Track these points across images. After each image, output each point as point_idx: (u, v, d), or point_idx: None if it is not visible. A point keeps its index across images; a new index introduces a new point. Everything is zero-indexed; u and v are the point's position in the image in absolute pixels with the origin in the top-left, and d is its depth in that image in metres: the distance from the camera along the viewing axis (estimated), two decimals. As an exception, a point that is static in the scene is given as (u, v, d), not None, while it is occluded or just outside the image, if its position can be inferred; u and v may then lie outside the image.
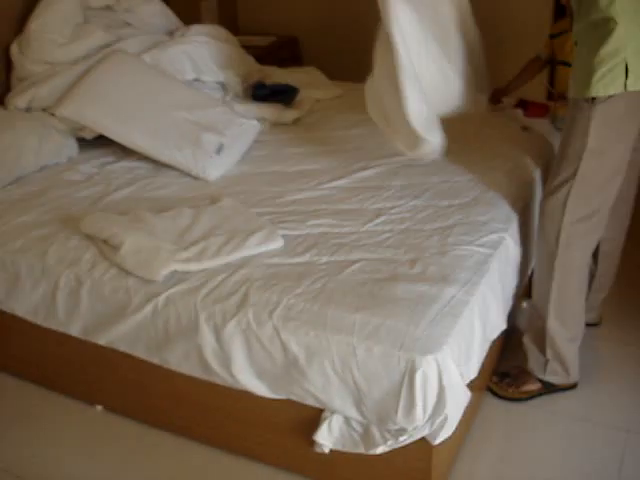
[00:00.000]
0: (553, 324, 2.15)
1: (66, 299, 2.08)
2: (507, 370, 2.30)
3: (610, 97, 1.89)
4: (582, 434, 2.16)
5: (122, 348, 2.06)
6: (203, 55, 2.85)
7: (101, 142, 2.73)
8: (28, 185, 2.52)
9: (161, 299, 1.93)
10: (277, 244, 2.05)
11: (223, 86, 2.93)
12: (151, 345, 2.00)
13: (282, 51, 3.81)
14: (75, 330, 2.12)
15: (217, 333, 1.86)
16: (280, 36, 3.91)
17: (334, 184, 2.44)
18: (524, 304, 2.44)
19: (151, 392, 2.15)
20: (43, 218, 2.29)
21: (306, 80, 3.12)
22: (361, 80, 3.35)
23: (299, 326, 1.78)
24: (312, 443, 1.85)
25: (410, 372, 1.66)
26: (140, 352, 2.03)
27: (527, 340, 2.23)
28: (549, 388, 2.25)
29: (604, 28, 1.85)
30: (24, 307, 2.18)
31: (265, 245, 2.03)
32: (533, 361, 2.23)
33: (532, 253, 2.33)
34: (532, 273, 2.33)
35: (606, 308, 2.59)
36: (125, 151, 2.68)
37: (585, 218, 2.06)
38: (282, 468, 2.04)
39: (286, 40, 3.93)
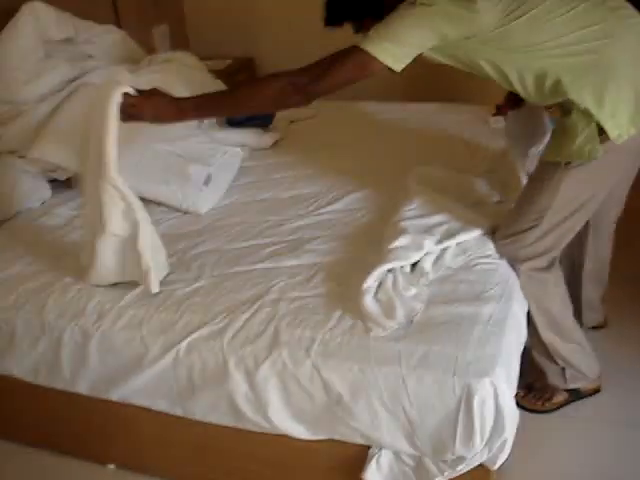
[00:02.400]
0: (549, 337, 2.09)
1: (71, 355, 1.93)
2: (529, 382, 2.24)
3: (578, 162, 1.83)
4: (616, 437, 2.13)
5: (139, 402, 1.92)
6: (174, 83, 2.71)
7: (74, 182, 2.58)
8: (4, 235, 2.35)
9: (183, 346, 1.81)
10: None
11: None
12: (172, 397, 1.87)
13: (239, 74, 3.70)
14: (83, 388, 1.96)
15: (250, 377, 1.75)
16: (235, 58, 3.81)
17: (333, 207, 2.35)
18: None
19: (171, 444, 2.01)
20: (31, 269, 2.12)
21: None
22: (328, 98, 3.32)
23: (341, 362, 1.69)
24: (358, 483, 1.76)
25: (467, 398, 1.60)
26: (160, 405, 1.90)
27: (536, 355, 2.16)
28: (574, 395, 2.22)
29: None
30: (23, 368, 2.01)
31: None
32: (551, 373, 2.18)
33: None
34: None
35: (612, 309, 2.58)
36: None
37: (540, 254, 2.00)
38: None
39: (243, 62, 3.83)
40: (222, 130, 2.78)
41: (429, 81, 3.49)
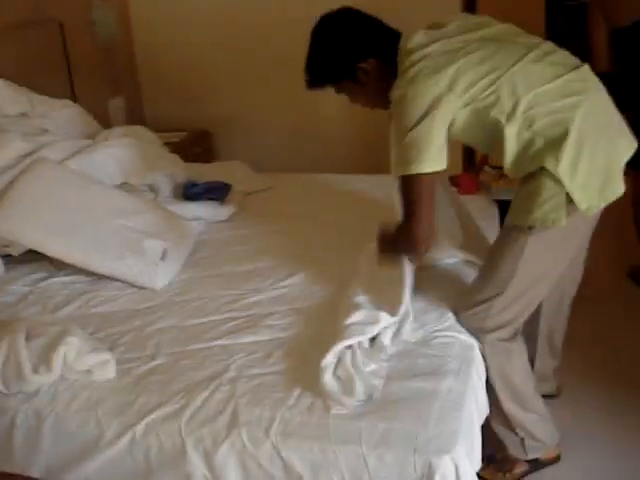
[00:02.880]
0: (510, 408, 2.10)
1: (24, 438, 1.87)
2: (489, 454, 2.25)
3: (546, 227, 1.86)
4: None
5: (95, 485, 1.86)
6: (130, 157, 2.74)
7: (28, 258, 2.55)
8: (-45, 313, 2.29)
9: (139, 428, 1.77)
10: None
11: (152, 187, 2.82)
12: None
13: (195, 146, 3.74)
14: (37, 471, 1.88)
15: (208, 458, 1.71)
16: (191, 131, 3.85)
17: (290, 281, 2.36)
18: None
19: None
20: (-19, 349, 2.07)
21: (233, 174, 3.05)
22: (282, 170, 3.36)
23: (301, 441, 1.67)
24: None
25: (428, 475, 1.58)
26: (116, 489, 1.84)
27: (496, 426, 2.17)
28: (535, 465, 2.23)
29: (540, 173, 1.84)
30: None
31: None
32: (511, 444, 2.19)
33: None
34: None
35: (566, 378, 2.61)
36: (57, 265, 2.49)
37: (504, 326, 2.03)
38: None
39: (198, 135, 3.87)
40: (178, 203, 2.79)
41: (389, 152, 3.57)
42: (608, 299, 3.25)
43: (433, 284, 2.23)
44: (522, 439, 2.16)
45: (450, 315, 2.06)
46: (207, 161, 3.52)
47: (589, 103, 1.83)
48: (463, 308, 2.04)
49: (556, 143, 1.80)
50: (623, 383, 2.68)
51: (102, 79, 3.65)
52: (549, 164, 1.80)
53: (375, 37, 1.97)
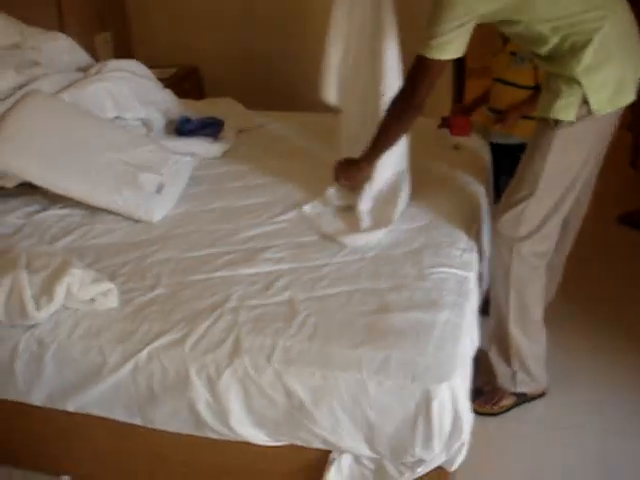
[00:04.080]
0: (515, 334, 2.21)
1: (26, 366, 1.89)
2: (478, 387, 2.32)
3: (571, 122, 1.97)
4: (560, 440, 2.22)
5: (95, 412, 1.90)
6: (123, 91, 2.71)
7: (20, 191, 2.54)
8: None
9: (143, 355, 1.80)
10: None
11: (145, 122, 2.79)
12: (131, 406, 1.85)
13: (184, 82, 3.69)
14: (38, 399, 1.93)
15: (211, 385, 1.76)
16: (180, 67, 3.80)
17: (285, 217, 2.37)
18: None
19: (128, 455, 1.99)
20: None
21: (226, 111, 3.04)
22: (273, 107, 3.34)
23: (302, 368, 1.71)
24: (318, 487, 1.79)
25: (426, 402, 1.64)
26: (118, 414, 1.88)
27: (493, 355, 2.27)
28: (521, 399, 2.30)
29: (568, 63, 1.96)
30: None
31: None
32: (501, 376, 2.27)
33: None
34: (487, 290, 2.39)
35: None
36: (51, 198, 2.49)
37: (536, 231, 2.13)
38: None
39: (187, 71, 3.82)
40: (171, 139, 2.78)
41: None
42: (596, 242, 3.31)
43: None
44: (514, 372, 2.24)
45: (448, 251, 2.11)
46: (196, 98, 3.49)
47: (615, 17, 1.93)
48: (500, 213, 2.15)
49: (580, 47, 1.91)
50: (608, 320, 2.76)
51: (90, 14, 3.58)
52: (571, 64, 1.92)
53: None
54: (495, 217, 2.20)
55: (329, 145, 2.91)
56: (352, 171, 2.33)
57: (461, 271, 2.04)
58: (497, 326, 2.24)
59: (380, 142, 2.21)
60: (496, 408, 2.29)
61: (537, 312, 2.24)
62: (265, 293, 1.96)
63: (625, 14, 1.99)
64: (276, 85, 3.91)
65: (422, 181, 2.48)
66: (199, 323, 1.84)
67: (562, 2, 1.90)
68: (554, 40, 1.93)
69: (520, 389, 2.28)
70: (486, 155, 2.86)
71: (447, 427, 1.66)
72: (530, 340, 2.23)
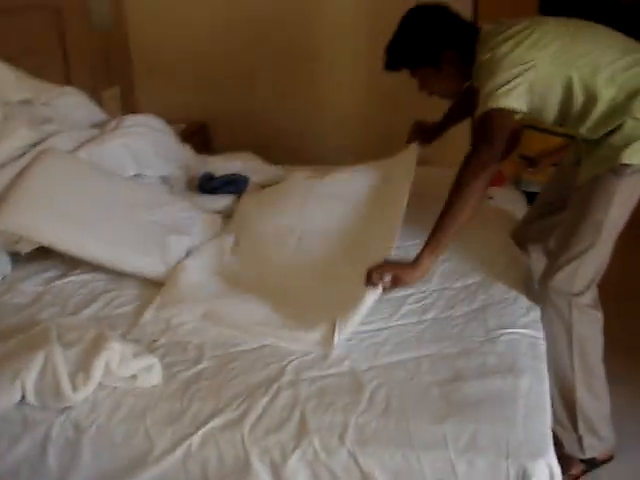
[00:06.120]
0: (583, 395, 2.07)
1: (60, 454, 1.68)
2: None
3: (636, 169, 1.90)
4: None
5: (140, 502, 1.69)
6: (143, 148, 2.56)
7: (35, 255, 2.35)
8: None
9: (195, 439, 1.60)
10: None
11: (165, 180, 2.64)
12: (182, 497, 1.65)
13: (194, 138, 3.56)
14: (73, 490, 1.72)
15: (275, 470, 1.56)
16: (190, 123, 3.67)
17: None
18: None
19: None
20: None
21: (246, 166, 2.89)
22: (287, 162, 3.22)
23: (380, 448, 1.53)
24: None
25: (527, 478, 1.47)
26: (166, 505, 1.67)
27: (555, 421, 2.10)
28: (591, 465, 2.14)
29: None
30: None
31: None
32: (568, 443, 2.11)
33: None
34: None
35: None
36: (69, 263, 2.31)
37: (593, 282, 2.03)
38: None
39: (197, 127, 3.69)
40: (194, 196, 2.62)
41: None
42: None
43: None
44: (580, 437, 2.08)
45: (513, 309, 1.95)
46: (207, 154, 3.35)
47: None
48: (553, 271, 2.02)
49: (633, 95, 1.89)
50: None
51: (97, 68, 3.46)
52: (630, 110, 1.89)
53: (459, 30, 2.11)
54: (547, 275, 2.06)
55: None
56: (406, 276, 1.90)
57: (531, 331, 1.89)
58: (561, 390, 2.08)
59: (451, 224, 1.88)
60: (565, 478, 2.11)
61: (601, 369, 2.11)
62: (322, 364, 1.79)
63: None
64: (283, 141, 3.81)
65: (464, 237, 2.33)
66: (256, 400, 1.66)
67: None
68: (610, 93, 1.91)
69: (589, 454, 2.11)
70: (522, 205, 2.74)
71: (546, 503, 1.49)
72: (597, 400, 2.09)
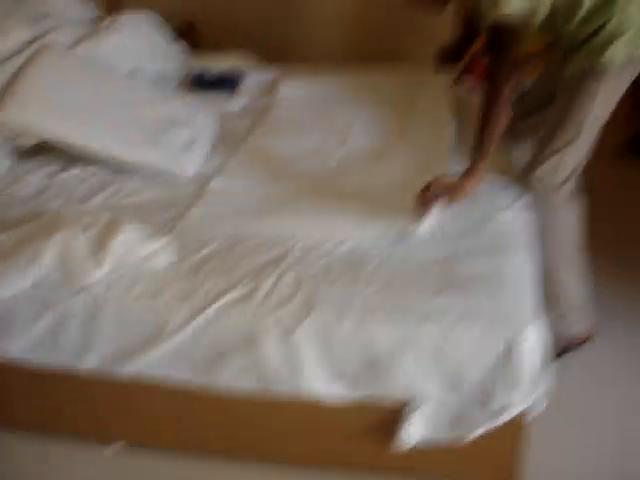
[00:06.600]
0: (565, 276, 2.20)
1: (79, 329, 1.79)
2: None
3: (618, 66, 1.96)
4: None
5: (156, 374, 1.80)
6: (139, 45, 2.58)
7: (37, 150, 2.38)
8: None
9: (209, 312, 1.72)
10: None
11: (160, 76, 2.66)
12: (196, 365, 1.77)
13: (184, 38, 3.53)
14: (91, 363, 1.82)
15: (285, 339, 1.68)
16: (178, 23, 3.63)
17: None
18: None
19: (188, 419, 1.91)
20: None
21: (241, 64, 2.91)
22: (280, 59, 3.22)
23: (384, 317, 1.65)
24: (391, 442, 1.74)
25: (516, 344, 1.61)
26: (182, 375, 1.79)
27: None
28: (574, 341, 2.29)
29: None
30: (21, 345, 1.84)
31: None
32: (553, 319, 2.22)
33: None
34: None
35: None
36: (69, 158, 2.34)
37: (572, 175, 2.12)
38: (356, 474, 1.89)
39: (185, 26, 3.66)
40: (192, 94, 2.65)
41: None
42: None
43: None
44: (562, 313, 2.22)
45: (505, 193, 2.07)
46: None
47: None
48: (537, 162, 2.10)
49: None
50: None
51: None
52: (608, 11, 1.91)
53: None
54: (532, 166, 2.15)
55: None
56: (466, 184, 1.95)
57: (523, 212, 2.02)
58: (546, 270, 2.19)
59: (494, 128, 1.94)
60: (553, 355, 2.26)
61: (578, 249, 2.23)
62: (326, 244, 1.89)
63: None
64: (275, 42, 3.79)
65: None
66: (265, 277, 1.77)
67: None
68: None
69: (574, 330, 2.26)
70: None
71: (535, 369, 1.64)
72: (578, 280, 2.23)
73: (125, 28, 2.61)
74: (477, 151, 1.95)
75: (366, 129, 2.50)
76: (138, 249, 1.80)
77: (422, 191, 1.94)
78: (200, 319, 1.72)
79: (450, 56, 2.64)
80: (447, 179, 1.96)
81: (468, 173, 1.94)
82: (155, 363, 1.79)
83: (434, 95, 2.67)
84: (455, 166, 2.10)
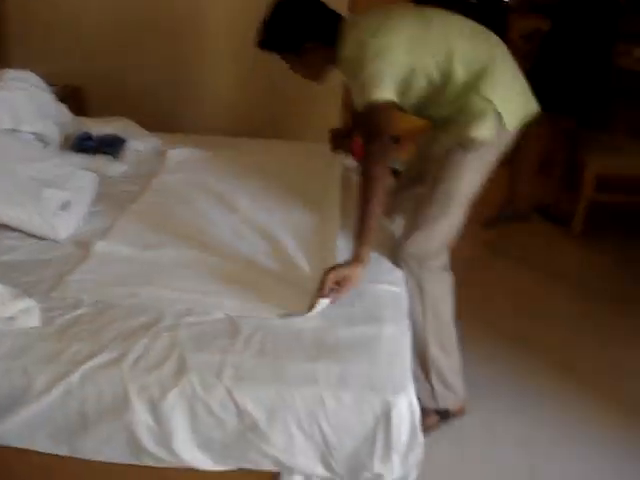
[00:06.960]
0: (434, 350, 2.25)
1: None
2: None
3: (482, 143, 2.09)
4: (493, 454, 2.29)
5: (14, 444, 1.70)
6: (22, 103, 2.51)
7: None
8: None
9: (75, 377, 1.64)
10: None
11: (41, 137, 2.60)
12: (58, 434, 1.67)
13: (68, 102, 3.48)
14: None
15: (154, 406, 1.63)
16: (64, 86, 3.58)
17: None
18: None
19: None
20: None
21: (124, 131, 2.89)
22: (165, 130, 3.23)
23: (256, 384, 1.63)
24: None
25: (386, 413, 1.62)
26: (41, 445, 1.69)
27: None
28: (445, 416, 2.32)
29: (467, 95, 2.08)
30: None
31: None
32: (422, 394, 2.27)
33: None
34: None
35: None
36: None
37: (443, 246, 2.23)
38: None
39: (70, 90, 3.61)
40: (69, 155, 2.60)
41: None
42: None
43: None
44: (432, 387, 2.26)
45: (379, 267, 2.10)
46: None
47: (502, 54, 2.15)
48: (407, 236, 2.19)
49: (480, 75, 2.06)
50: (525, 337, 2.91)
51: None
52: (477, 88, 2.05)
53: (321, 21, 2.14)
54: (403, 239, 2.23)
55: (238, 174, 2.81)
56: (353, 273, 1.93)
57: (393, 287, 2.05)
58: (415, 344, 2.24)
59: (372, 207, 1.98)
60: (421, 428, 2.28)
61: (451, 328, 2.30)
62: (199, 311, 1.86)
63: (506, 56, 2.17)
64: (160, 109, 3.81)
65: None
66: (136, 341, 1.72)
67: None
68: (461, 75, 2.06)
69: (442, 404, 2.30)
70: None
71: (406, 438, 1.65)
72: (448, 355, 2.27)
73: (7, 85, 2.55)
74: (358, 239, 1.98)
75: (254, 201, 2.50)
76: (1, 309, 1.71)
77: (318, 289, 1.89)
78: (65, 383, 1.64)
79: (340, 139, 2.74)
80: (337, 272, 1.91)
81: (353, 262, 1.94)
82: (16, 431, 1.67)
83: (323, 167, 2.74)
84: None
